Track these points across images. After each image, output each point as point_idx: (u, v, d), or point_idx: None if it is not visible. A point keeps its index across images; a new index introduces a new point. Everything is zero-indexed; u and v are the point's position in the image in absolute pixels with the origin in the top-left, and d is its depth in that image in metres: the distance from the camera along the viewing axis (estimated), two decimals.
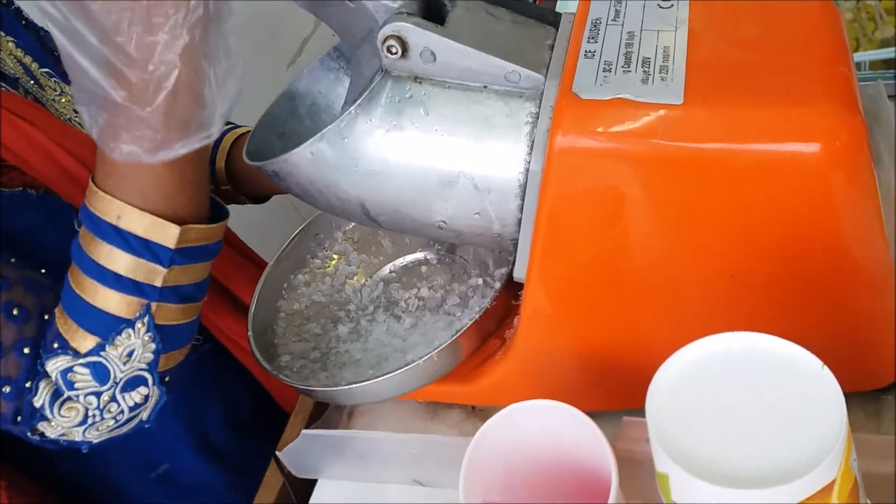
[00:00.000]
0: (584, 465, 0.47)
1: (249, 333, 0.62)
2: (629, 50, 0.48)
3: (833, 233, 0.46)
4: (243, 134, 0.82)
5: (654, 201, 0.47)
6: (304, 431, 0.61)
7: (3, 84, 0.65)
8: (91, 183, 0.53)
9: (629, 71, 0.46)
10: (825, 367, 0.34)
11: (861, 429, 0.54)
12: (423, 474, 0.62)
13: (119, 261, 0.52)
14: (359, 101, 0.50)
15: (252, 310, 0.64)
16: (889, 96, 0.66)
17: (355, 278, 0.69)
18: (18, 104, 0.63)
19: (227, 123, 0.83)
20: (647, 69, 0.46)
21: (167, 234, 0.52)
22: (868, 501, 0.40)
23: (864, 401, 0.54)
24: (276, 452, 0.62)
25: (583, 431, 0.45)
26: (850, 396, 0.55)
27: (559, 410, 0.46)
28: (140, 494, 0.74)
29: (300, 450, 0.62)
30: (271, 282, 0.67)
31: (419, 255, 0.69)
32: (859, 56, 0.74)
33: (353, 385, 0.56)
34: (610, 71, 0.47)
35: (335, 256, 0.70)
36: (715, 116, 0.44)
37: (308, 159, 0.51)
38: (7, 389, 0.54)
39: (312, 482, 0.65)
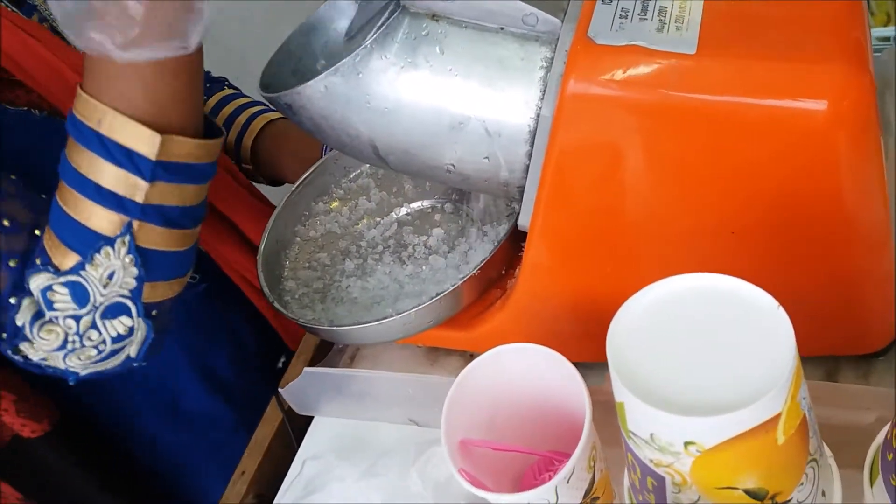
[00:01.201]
0: (565, 409, 0.47)
1: (260, 252, 0.63)
2: None
3: (835, 193, 0.47)
4: (274, 120, 0.82)
5: (661, 152, 0.47)
6: (306, 369, 0.62)
7: (16, 10, 0.65)
8: (78, 88, 0.51)
9: (645, 19, 0.47)
10: (780, 308, 0.35)
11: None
12: (418, 414, 0.63)
13: (101, 171, 0.50)
14: (374, 36, 0.50)
15: (267, 230, 0.65)
16: None
17: (372, 215, 0.70)
18: (28, 24, 0.62)
19: (260, 105, 0.83)
20: (663, 18, 0.47)
21: (148, 143, 0.50)
22: (825, 446, 0.41)
23: (856, 363, 0.55)
24: (279, 389, 0.64)
25: (564, 375, 0.46)
26: (842, 357, 0.56)
27: (543, 354, 0.47)
28: (147, 424, 0.75)
29: (302, 387, 0.63)
30: (293, 205, 0.68)
31: (436, 202, 0.69)
32: (890, 30, 0.74)
33: (343, 327, 0.58)
34: (626, 18, 0.47)
35: (357, 190, 0.71)
36: (726, 69, 0.44)
37: (321, 93, 0.51)
38: None
39: (309, 420, 0.67)
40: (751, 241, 0.50)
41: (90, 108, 0.50)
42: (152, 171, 0.50)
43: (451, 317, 0.60)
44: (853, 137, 0.45)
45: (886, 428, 0.39)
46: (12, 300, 0.53)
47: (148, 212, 0.52)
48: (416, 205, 0.70)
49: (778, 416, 0.33)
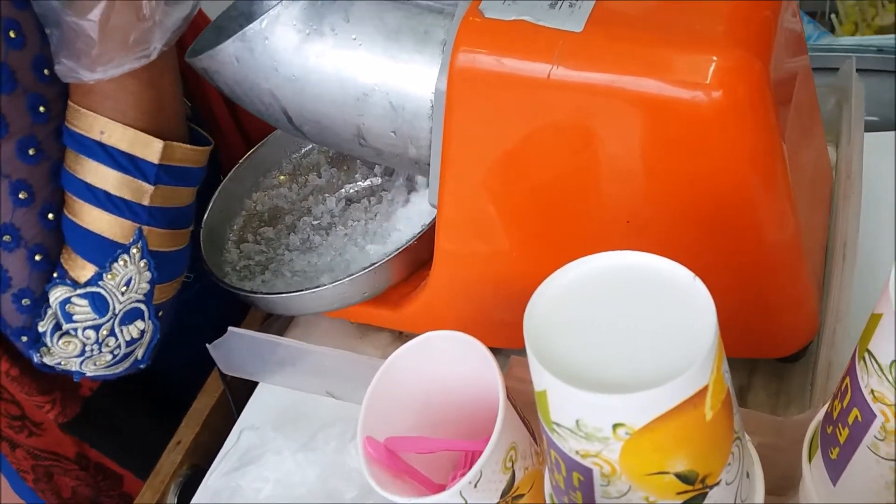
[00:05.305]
0: (492, 397, 0.45)
1: (203, 223, 0.63)
2: None
3: (734, 186, 0.44)
4: None
5: (547, 130, 0.45)
6: (230, 329, 0.62)
7: None
8: (70, 102, 0.53)
9: None
10: (697, 279, 0.33)
11: (760, 406, 0.51)
12: (335, 388, 0.63)
13: (106, 178, 0.53)
14: (281, 2, 0.50)
15: (213, 201, 0.65)
16: (889, 71, 0.63)
17: (321, 191, 0.69)
18: None
19: None
20: None
21: (151, 149, 0.53)
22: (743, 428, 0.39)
23: (767, 379, 0.52)
24: (207, 345, 0.64)
25: (483, 364, 0.44)
26: (755, 375, 0.53)
27: (460, 341, 0.45)
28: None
29: (226, 346, 0.63)
30: (240, 178, 0.68)
31: (387, 180, 0.68)
32: (856, 39, 0.70)
33: (257, 294, 0.58)
34: None
35: (307, 166, 0.71)
36: (610, 48, 0.42)
37: (231, 58, 0.52)
38: (26, 302, 0.55)
39: (251, 392, 0.67)
40: (648, 232, 0.47)
41: (89, 120, 0.53)
42: (156, 174, 0.53)
43: (378, 295, 0.60)
44: (744, 128, 0.42)
45: (828, 403, 0.38)
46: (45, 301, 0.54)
47: (154, 214, 0.55)
48: (366, 183, 0.69)
49: (705, 389, 0.32)
